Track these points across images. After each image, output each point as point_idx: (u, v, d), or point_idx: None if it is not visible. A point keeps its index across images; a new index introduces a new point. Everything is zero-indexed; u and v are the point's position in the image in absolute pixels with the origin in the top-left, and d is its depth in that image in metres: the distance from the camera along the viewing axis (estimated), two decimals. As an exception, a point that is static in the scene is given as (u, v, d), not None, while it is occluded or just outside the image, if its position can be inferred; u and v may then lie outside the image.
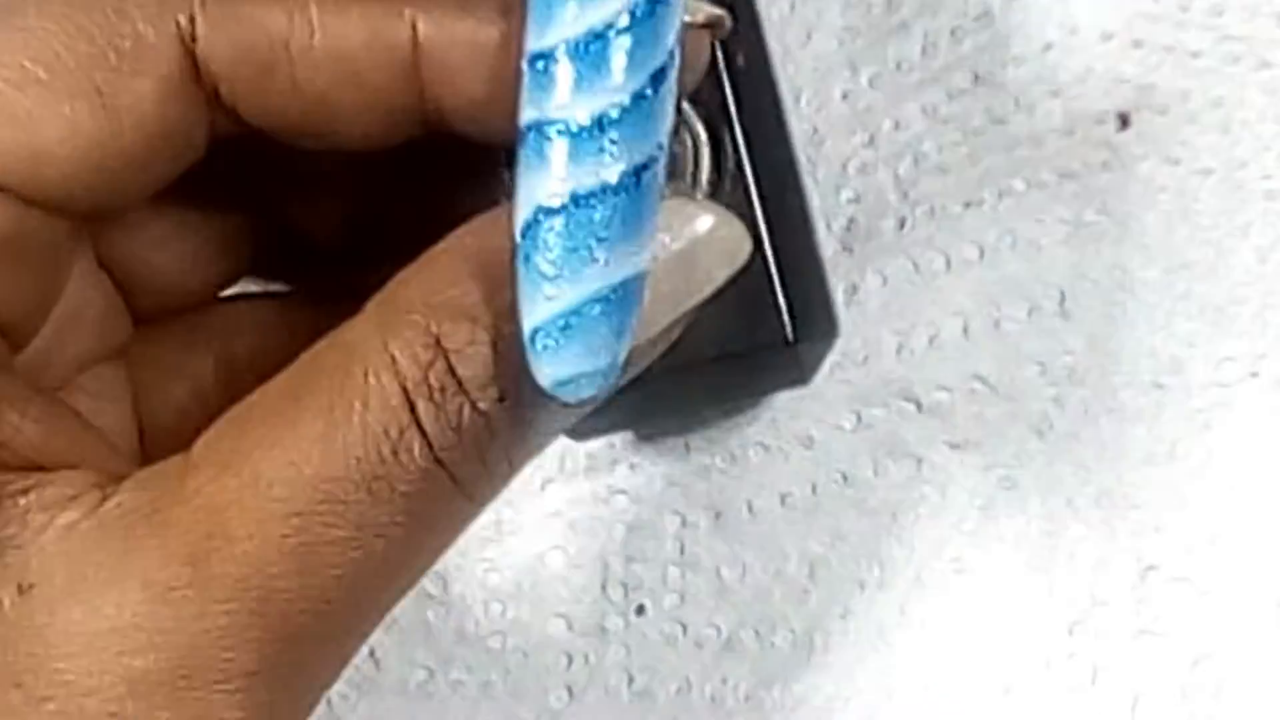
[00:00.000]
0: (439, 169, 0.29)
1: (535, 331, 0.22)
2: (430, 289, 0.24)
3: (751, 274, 0.27)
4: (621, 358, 0.23)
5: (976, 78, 0.38)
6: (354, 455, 0.23)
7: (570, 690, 0.37)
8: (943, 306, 0.37)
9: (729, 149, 0.28)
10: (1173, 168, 0.37)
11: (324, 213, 0.31)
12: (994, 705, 0.36)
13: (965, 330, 0.37)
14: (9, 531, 0.23)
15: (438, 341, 0.23)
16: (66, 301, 0.27)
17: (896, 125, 0.38)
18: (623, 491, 0.38)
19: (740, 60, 0.29)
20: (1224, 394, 0.36)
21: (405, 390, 0.23)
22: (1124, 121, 0.38)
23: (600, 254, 0.22)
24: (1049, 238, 0.37)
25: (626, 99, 0.22)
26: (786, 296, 0.28)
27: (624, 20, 0.22)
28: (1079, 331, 0.37)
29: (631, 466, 0.38)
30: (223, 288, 0.31)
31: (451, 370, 0.23)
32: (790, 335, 0.28)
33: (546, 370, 0.23)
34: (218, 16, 0.24)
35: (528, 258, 0.22)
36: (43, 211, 0.25)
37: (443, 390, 0.23)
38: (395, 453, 0.23)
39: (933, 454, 0.37)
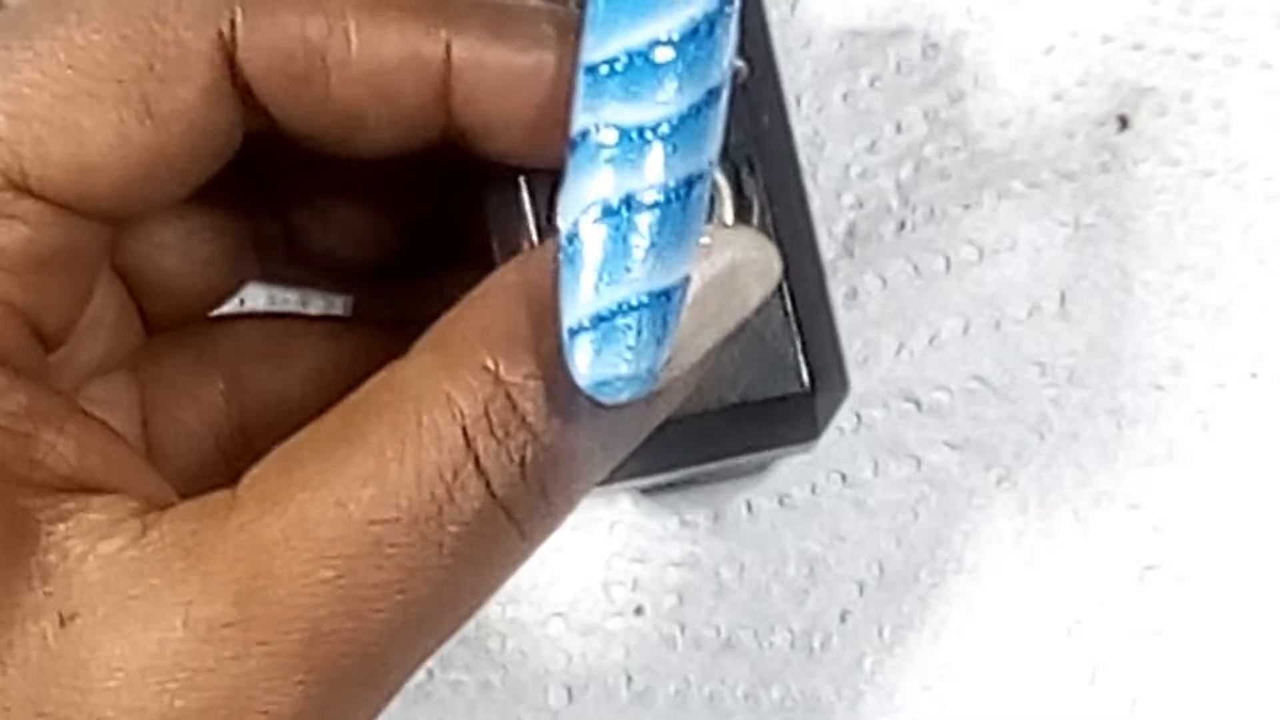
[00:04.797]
0: (454, 184, 0.29)
1: (577, 329, 0.23)
2: (484, 325, 0.24)
3: (771, 324, 0.27)
4: (659, 366, 0.23)
5: (977, 80, 0.38)
6: (406, 497, 0.23)
7: (569, 690, 0.37)
8: (943, 308, 0.37)
9: (753, 200, 0.28)
10: (1172, 169, 0.37)
11: (337, 217, 0.31)
12: (994, 705, 0.35)
13: (965, 330, 0.37)
14: (49, 559, 0.23)
15: (497, 377, 0.23)
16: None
17: (898, 128, 0.38)
18: (623, 492, 0.38)
19: (765, 119, 0.29)
20: (1223, 395, 0.36)
21: (464, 428, 0.23)
22: (1124, 123, 0.38)
23: (645, 259, 0.22)
24: (1048, 239, 0.37)
25: (681, 111, 0.23)
26: (804, 348, 0.28)
27: (684, 34, 0.23)
28: (1079, 332, 0.37)
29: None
30: (232, 293, 0.31)
31: (514, 405, 0.23)
32: (808, 385, 0.28)
33: (585, 369, 0.23)
34: (257, 24, 0.24)
35: (573, 258, 0.23)
36: (85, 220, 0.25)
37: (505, 426, 0.23)
38: (450, 494, 0.23)
39: (932, 454, 0.37)
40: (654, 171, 0.23)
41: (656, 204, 0.23)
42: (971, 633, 0.36)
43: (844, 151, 0.38)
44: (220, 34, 0.24)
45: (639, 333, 0.23)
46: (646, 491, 0.37)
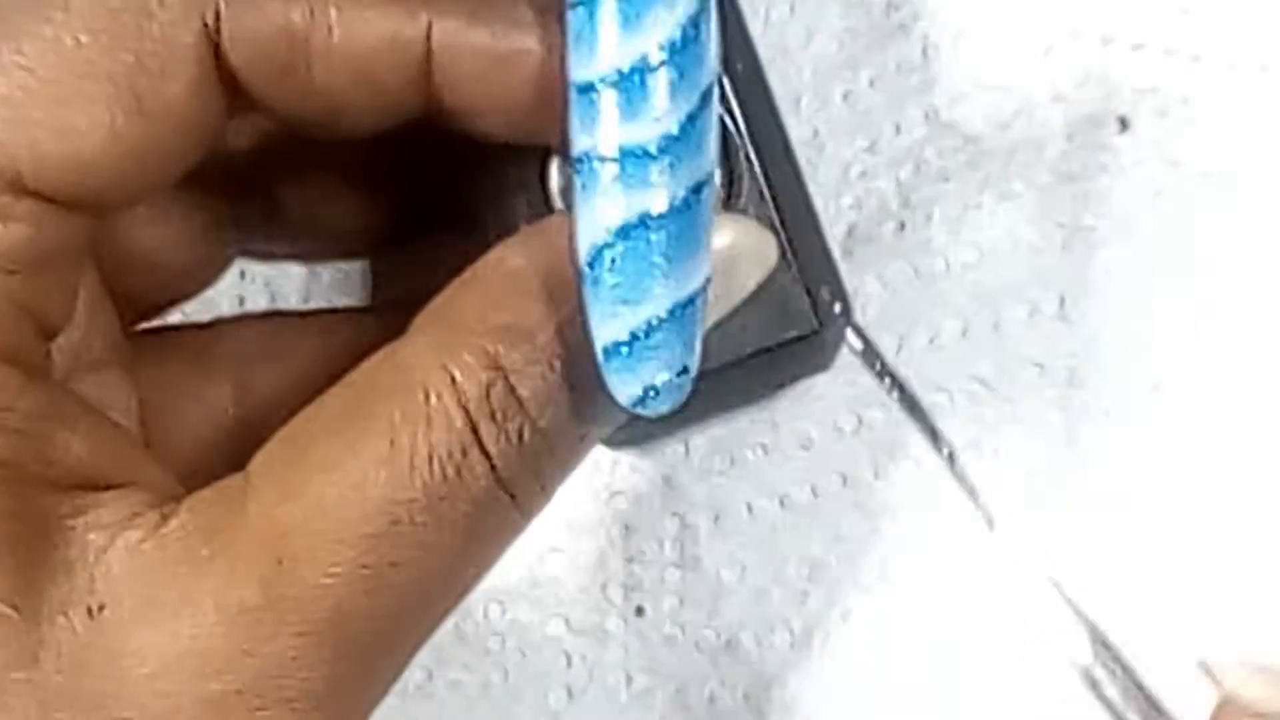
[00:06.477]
0: (440, 156, 0.29)
1: (609, 352, 0.23)
2: (485, 307, 0.24)
3: (778, 279, 0.28)
4: (693, 369, 0.23)
5: (977, 81, 0.38)
6: (420, 477, 0.23)
7: (569, 691, 0.37)
8: (942, 310, 0.37)
9: (739, 156, 0.29)
10: (1172, 170, 0.37)
11: (317, 189, 0.31)
12: (994, 705, 0.36)
13: (964, 332, 0.37)
14: (71, 554, 0.23)
15: (496, 362, 0.24)
16: None
17: (898, 129, 0.38)
18: (622, 492, 0.38)
19: (738, 66, 0.29)
20: (1221, 395, 0.36)
21: (467, 411, 0.23)
22: (1124, 125, 0.38)
23: (666, 272, 0.23)
24: (1048, 241, 0.37)
25: (681, 121, 0.23)
26: (808, 289, 0.29)
27: (674, 42, 0.22)
28: (1078, 333, 0.37)
29: (631, 467, 0.38)
30: (216, 272, 0.31)
31: (512, 390, 0.24)
32: (816, 324, 0.29)
33: (624, 388, 0.23)
34: (240, 14, 0.25)
35: (596, 282, 0.23)
36: (79, 214, 0.25)
37: (504, 410, 0.24)
38: (459, 473, 0.23)
39: (932, 456, 0.37)
40: (664, 186, 0.23)
41: (670, 217, 0.23)
42: (972, 633, 0.36)
43: (844, 152, 0.38)
44: (205, 26, 0.24)
45: (670, 345, 0.23)
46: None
